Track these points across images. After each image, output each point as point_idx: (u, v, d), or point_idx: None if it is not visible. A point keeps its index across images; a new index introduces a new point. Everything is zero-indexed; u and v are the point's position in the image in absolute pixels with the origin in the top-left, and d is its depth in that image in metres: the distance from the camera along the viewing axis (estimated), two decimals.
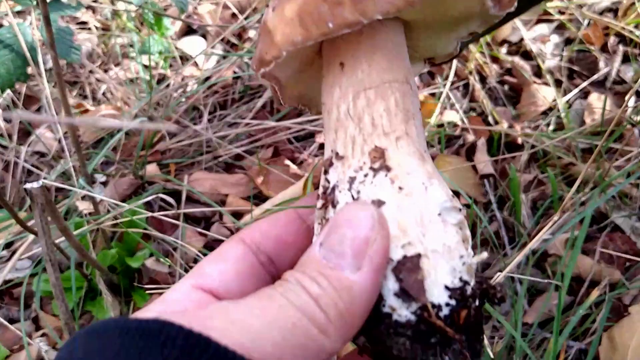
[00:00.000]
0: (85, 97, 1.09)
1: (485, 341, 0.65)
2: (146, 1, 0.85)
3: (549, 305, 0.87)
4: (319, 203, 0.40)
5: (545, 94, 1.11)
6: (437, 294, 0.35)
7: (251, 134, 1.04)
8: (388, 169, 0.37)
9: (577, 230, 0.89)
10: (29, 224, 0.68)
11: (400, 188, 0.37)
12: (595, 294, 0.83)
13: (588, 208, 0.87)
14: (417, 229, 0.36)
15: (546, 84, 1.13)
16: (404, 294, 0.34)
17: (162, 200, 0.99)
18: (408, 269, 0.35)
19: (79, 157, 0.76)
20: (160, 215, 0.90)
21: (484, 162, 1.04)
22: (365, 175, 0.38)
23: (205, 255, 0.89)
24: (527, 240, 0.93)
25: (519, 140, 1.07)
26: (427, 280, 0.35)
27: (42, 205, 0.55)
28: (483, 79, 1.18)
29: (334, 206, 0.38)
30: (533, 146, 1.04)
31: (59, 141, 1.02)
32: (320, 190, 0.40)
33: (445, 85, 1.12)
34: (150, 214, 0.88)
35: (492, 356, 0.63)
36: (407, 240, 0.36)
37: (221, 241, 0.96)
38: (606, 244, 0.94)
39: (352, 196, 0.37)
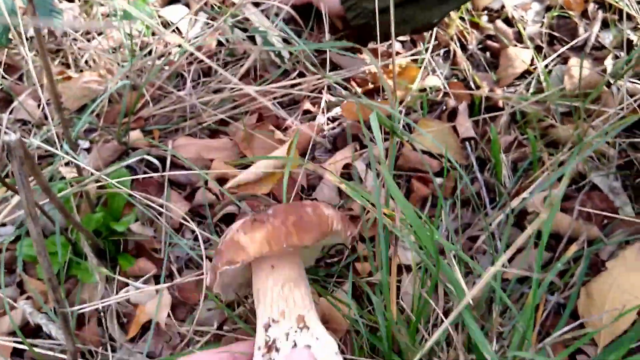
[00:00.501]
0: (67, 65, 1.09)
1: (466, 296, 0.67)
2: None
3: (528, 262, 0.89)
4: (264, 349, 0.63)
5: (523, 57, 1.12)
6: None
7: (235, 99, 1.04)
8: (307, 327, 0.64)
9: (556, 190, 0.91)
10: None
11: (317, 338, 0.63)
12: (573, 249, 0.85)
13: (566, 166, 0.89)
14: None
15: (527, 48, 1.15)
16: None
17: (147, 166, 0.99)
18: None
19: (62, 121, 0.76)
20: (146, 176, 0.91)
21: (465, 126, 1.06)
22: (295, 332, 0.63)
23: (190, 220, 0.89)
24: (507, 200, 0.95)
25: (500, 104, 1.09)
26: None
27: (20, 158, 0.55)
28: (464, 46, 1.19)
29: (277, 351, 0.62)
30: (513, 107, 1.05)
31: (42, 108, 1.02)
32: (263, 342, 0.63)
33: (427, 50, 1.13)
34: (135, 177, 0.89)
35: (471, 303, 0.64)
36: None
37: (208, 206, 0.97)
38: (584, 203, 0.96)
39: (292, 344, 0.62)
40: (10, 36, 0.92)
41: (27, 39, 1.00)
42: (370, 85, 1.14)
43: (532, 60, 1.16)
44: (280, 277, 0.67)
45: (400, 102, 1.06)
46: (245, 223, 0.67)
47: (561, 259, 0.81)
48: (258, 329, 0.65)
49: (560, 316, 0.86)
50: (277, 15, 1.09)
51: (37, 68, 1.06)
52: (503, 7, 1.25)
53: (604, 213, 0.95)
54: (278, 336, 0.63)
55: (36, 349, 0.80)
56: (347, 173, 1.01)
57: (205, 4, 1.10)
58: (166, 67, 1.05)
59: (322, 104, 1.08)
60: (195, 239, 0.93)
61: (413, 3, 1.00)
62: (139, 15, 0.93)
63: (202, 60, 1.10)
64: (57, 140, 0.89)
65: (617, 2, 1.20)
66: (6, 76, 1.01)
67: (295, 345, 0.62)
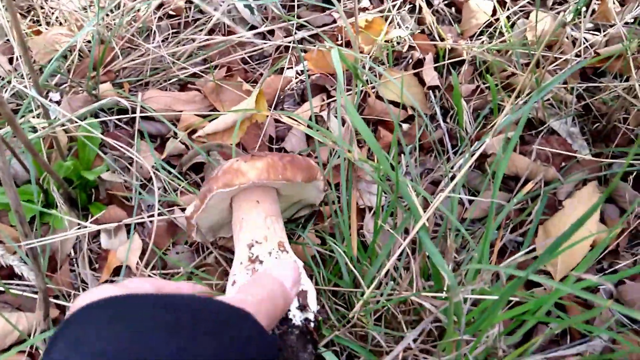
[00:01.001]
0: (38, 22, 1.09)
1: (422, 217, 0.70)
2: None
3: (487, 203, 0.93)
4: (246, 263, 0.69)
5: (484, 9, 1.15)
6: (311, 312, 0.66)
7: (204, 53, 1.06)
8: (287, 251, 0.72)
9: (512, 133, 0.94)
10: None
11: (295, 261, 0.70)
12: (529, 186, 0.89)
13: (525, 107, 0.92)
14: (304, 276, 0.69)
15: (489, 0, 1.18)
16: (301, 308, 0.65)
17: (118, 120, 1.01)
18: (303, 296, 0.66)
19: (28, 66, 0.77)
20: (116, 119, 0.93)
21: (431, 75, 1.09)
22: (277, 252, 0.71)
23: (159, 169, 0.92)
24: (467, 144, 0.98)
25: (464, 55, 1.11)
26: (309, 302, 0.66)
27: None
28: (429, 2, 1.22)
29: (260, 263, 0.69)
30: (473, 61, 1.08)
31: (10, 61, 1.03)
32: (246, 257, 0.70)
33: (394, 6, 1.15)
34: (102, 119, 0.90)
35: (428, 226, 0.67)
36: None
37: (177, 156, 0.99)
38: (543, 146, 1.00)
39: (275, 258, 0.70)
40: None
41: None
42: (339, 42, 1.16)
43: (495, 12, 1.18)
44: (263, 211, 0.74)
45: (367, 54, 1.09)
46: (244, 157, 0.74)
47: (517, 196, 0.85)
48: (240, 249, 0.71)
49: (518, 252, 0.90)
50: None
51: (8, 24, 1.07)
52: None
53: (562, 154, 0.98)
54: (261, 253, 0.70)
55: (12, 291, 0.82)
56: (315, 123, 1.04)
57: None
58: (134, 23, 1.06)
59: (291, 57, 1.10)
60: (165, 188, 0.95)
61: None
62: None
63: (171, 16, 1.11)
64: (29, 90, 0.90)
65: None
66: None
67: (278, 258, 0.70)
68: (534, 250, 0.89)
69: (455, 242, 0.86)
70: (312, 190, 0.82)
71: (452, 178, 0.95)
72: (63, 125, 0.84)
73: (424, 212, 0.70)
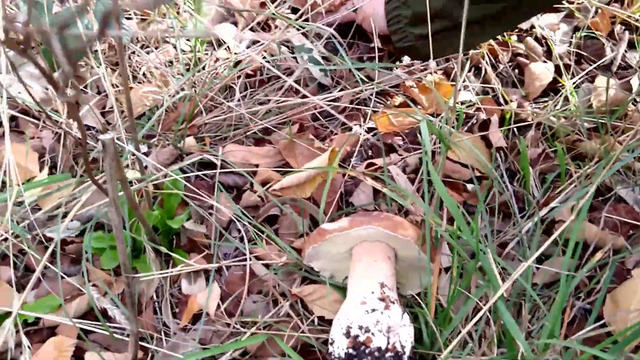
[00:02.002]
0: (127, 77, 1.18)
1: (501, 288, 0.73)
2: None
3: (556, 269, 0.94)
4: (379, 294, 0.79)
5: (548, 71, 1.19)
6: None
7: (279, 110, 1.13)
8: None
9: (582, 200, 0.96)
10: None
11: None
12: (598, 256, 0.90)
13: (594, 178, 0.94)
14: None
15: (557, 67, 1.21)
16: None
17: (199, 170, 1.08)
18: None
19: (131, 124, 0.85)
20: (199, 174, 0.99)
21: (497, 136, 1.12)
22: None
23: (238, 219, 0.97)
24: (535, 210, 1.01)
25: (529, 118, 1.15)
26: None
27: (111, 154, 0.64)
28: (493, 64, 1.26)
29: (391, 302, 0.78)
30: (539, 125, 1.11)
31: (103, 115, 1.11)
32: (379, 294, 0.78)
33: (462, 68, 1.20)
34: (188, 175, 0.97)
35: (505, 295, 0.70)
36: None
37: (253, 207, 1.05)
38: (610, 214, 1.01)
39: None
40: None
41: (93, 53, 1.10)
42: (400, 99, 1.21)
43: (560, 74, 1.22)
44: (390, 267, 0.84)
45: (437, 115, 1.13)
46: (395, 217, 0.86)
47: (587, 265, 0.87)
48: (369, 286, 0.80)
49: (586, 321, 0.91)
50: (319, 35, 1.17)
51: (96, 81, 1.17)
52: (532, 27, 1.31)
53: (630, 223, 1.00)
54: (391, 295, 0.80)
55: (99, 332, 0.88)
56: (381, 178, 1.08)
57: (252, 23, 1.19)
58: (216, 80, 1.13)
59: (359, 115, 1.16)
60: (242, 237, 1.01)
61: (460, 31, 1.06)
62: (196, 34, 1.02)
63: (249, 75, 1.18)
64: (124, 141, 0.98)
65: None
66: (75, 84, 1.10)
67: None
68: (601, 320, 0.90)
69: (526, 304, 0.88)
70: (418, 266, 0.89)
71: (521, 242, 0.98)
72: (157, 179, 0.91)
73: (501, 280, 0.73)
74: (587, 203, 0.85)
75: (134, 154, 0.91)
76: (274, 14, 1.10)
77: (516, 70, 1.27)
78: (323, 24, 1.17)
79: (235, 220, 1.00)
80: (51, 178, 0.93)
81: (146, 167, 0.98)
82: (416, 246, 0.82)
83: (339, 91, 1.15)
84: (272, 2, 1.16)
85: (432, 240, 0.86)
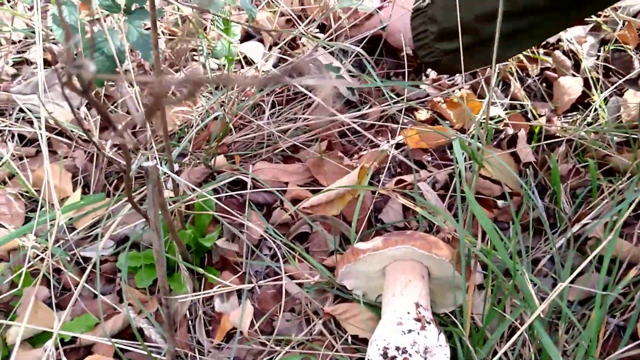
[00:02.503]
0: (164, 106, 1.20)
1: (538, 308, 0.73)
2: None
3: (589, 285, 0.94)
4: (414, 314, 0.79)
5: (577, 85, 1.18)
6: None
7: (307, 128, 1.13)
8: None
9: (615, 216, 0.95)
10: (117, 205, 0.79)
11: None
12: (632, 273, 0.90)
13: (627, 193, 0.94)
14: None
15: (585, 80, 1.21)
16: None
17: (229, 188, 1.09)
18: None
19: (166, 147, 0.86)
20: (230, 194, 1.00)
21: (526, 152, 1.12)
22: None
23: (268, 236, 0.98)
24: (567, 226, 1.00)
25: (558, 134, 1.14)
26: None
27: (154, 181, 0.65)
28: (521, 78, 1.26)
29: (428, 323, 0.79)
30: (569, 140, 1.11)
31: (134, 134, 1.13)
32: (415, 314, 0.79)
33: (488, 84, 1.20)
34: (220, 195, 0.98)
35: (542, 316, 0.70)
36: None
37: (283, 225, 1.05)
38: None
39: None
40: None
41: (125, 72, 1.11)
42: (426, 114, 1.21)
43: (589, 87, 1.21)
44: (426, 286, 0.85)
45: (465, 131, 1.13)
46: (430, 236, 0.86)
47: (622, 282, 0.86)
48: (404, 305, 0.80)
49: (621, 338, 0.90)
50: (345, 52, 1.18)
51: (126, 100, 1.18)
52: (559, 40, 1.31)
53: None
54: (427, 315, 0.80)
55: (134, 351, 0.89)
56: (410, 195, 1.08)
57: (278, 40, 1.21)
58: (245, 100, 1.15)
59: (387, 131, 1.17)
60: (273, 255, 1.01)
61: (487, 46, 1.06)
62: (225, 53, 1.04)
63: (277, 91, 1.19)
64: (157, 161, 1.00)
65: None
66: (106, 103, 1.13)
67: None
68: (636, 337, 0.89)
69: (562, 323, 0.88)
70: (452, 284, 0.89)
71: (553, 259, 0.98)
72: (190, 200, 0.92)
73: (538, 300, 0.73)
74: (620, 220, 0.85)
75: (167, 174, 0.92)
76: (302, 33, 1.11)
77: (544, 84, 1.26)
78: (350, 42, 1.18)
79: (266, 237, 1.01)
80: (86, 199, 0.95)
81: (178, 185, 1.00)
82: (451, 265, 0.82)
83: (367, 108, 1.16)
84: (301, 21, 1.18)
85: (466, 259, 0.86)
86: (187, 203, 0.93)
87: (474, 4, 0.99)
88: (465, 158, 1.11)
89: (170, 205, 0.94)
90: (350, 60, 1.17)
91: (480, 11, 0.99)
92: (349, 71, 1.18)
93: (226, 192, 1.07)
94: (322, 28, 1.28)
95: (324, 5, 1.18)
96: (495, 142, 1.16)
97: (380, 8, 1.19)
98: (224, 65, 1.13)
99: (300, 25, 1.13)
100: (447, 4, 1.02)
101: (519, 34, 1.02)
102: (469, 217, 0.95)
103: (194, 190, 0.96)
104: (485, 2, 0.97)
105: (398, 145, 1.16)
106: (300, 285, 0.96)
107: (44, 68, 1.28)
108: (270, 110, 1.17)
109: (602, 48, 1.30)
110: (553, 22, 1.02)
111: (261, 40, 1.31)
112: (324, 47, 1.17)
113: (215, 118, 1.13)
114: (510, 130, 1.16)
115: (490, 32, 0.99)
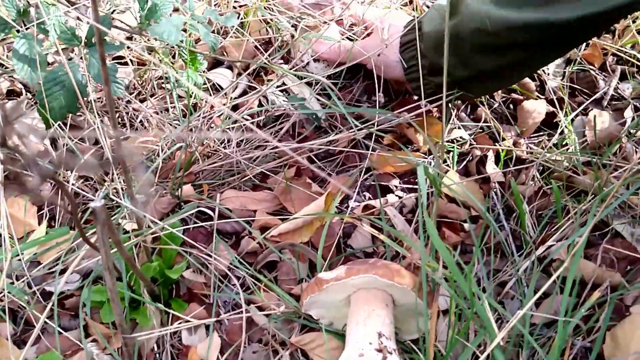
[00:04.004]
0: (124, 125, 1.20)
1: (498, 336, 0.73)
2: (182, 40, 0.95)
3: (555, 307, 0.94)
4: (376, 345, 0.80)
5: (540, 109, 1.19)
6: None
7: (275, 155, 1.14)
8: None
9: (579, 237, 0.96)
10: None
11: None
12: (596, 295, 0.90)
13: (590, 215, 0.95)
14: None
15: (551, 101, 1.22)
16: None
17: (197, 217, 1.09)
18: None
19: (126, 180, 0.86)
20: (197, 226, 1.00)
21: (493, 173, 1.13)
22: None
23: (236, 267, 0.97)
24: (532, 248, 1.01)
25: (524, 156, 1.15)
26: None
27: (103, 220, 0.65)
28: (488, 102, 1.27)
29: (390, 354, 0.79)
30: (533, 161, 1.12)
31: (100, 165, 1.12)
32: (377, 344, 0.80)
33: (456, 108, 1.21)
34: (187, 226, 0.98)
35: (502, 343, 0.70)
36: None
37: (251, 253, 1.05)
38: (607, 250, 1.01)
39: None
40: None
41: (87, 103, 1.11)
42: (392, 138, 1.22)
43: (555, 109, 1.23)
44: (389, 314, 0.86)
45: (430, 154, 1.14)
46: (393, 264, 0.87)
47: (585, 304, 0.87)
48: (366, 335, 0.81)
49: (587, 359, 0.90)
50: (315, 83, 1.19)
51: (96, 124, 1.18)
52: None
53: (628, 256, 1.00)
54: (389, 345, 0.81)
55: None
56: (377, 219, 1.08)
57: (247, 67, 1.21)
58: (212, 126, 1.15)
59: (355, 156, 1.17)
60: (242, 284, 1.01)
61: (480, 82, 1.08)
62: (190, 85, 1.04)
63: (245, 119, 1.20)
64: (121, 194, 1.00)
65: (634, 55, 1.27)
66: (71, 136, 1.12)
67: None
68: (602, 358, 0.90)
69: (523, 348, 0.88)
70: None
71: (520, 281, 0.98)
72: (154, 233, 0.92)
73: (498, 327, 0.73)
74: (582, 244, 0.86)
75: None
76: (266, 63, 1.12)
77: (511, 106, 1.27)
78: (321, 67, 1.20)
79: (233, 268, 1.01)
80: (49, 236, 0.94)
81: (145, 216, 0.99)
82: (413, 293, 0.83)
83: (336, 134, 1.16)
84: (265, 51, 1.19)
85: (429, 285, 0.86)
86: (153, 236, 0.92)
87: (465, 41, 0.99)
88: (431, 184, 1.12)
89: (132, 237, 0.93)
90: (317, 90, 1.17)
91: (471, 47, 0.99)
92: (318, 98, 1.19)
93: (194, 223, 1.07)
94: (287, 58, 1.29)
95: (288, 38, 1.20)
96: (462, 164, 1.17)
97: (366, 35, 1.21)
98: (192, 94, 1.13)
99: (264, 53, 1.14)
100: (438, 43, 1.02)
101: (507, 69, 1.03)
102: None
103: (160, 220, 0.96)
104: (476, 39, 0.98)
105: (366, 170, 1.16)
106: (267, 315, 0.96)
107: (9, 99, 1.27)
108: (238, 138, 1.18)
109: (567, 67, 1.31)
110: (541, 56, 1.03)
111: (230, 67, 1.32)
112: (299, 77, 1.18)
113: (181, 147, 1.13)
114: (478, 152, 1.17)
115: (484, 66, 1.01)
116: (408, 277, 0.83)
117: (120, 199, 1.02)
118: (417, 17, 1.10)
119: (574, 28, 0.91)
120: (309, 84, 1.20)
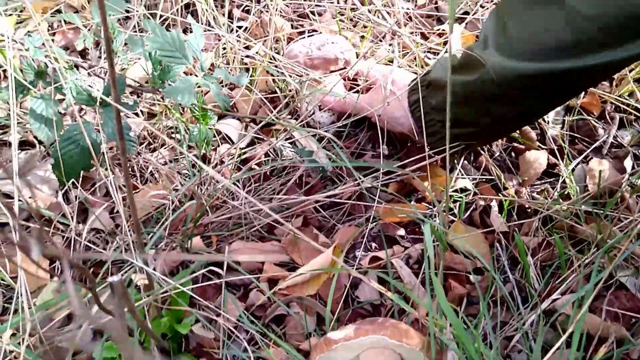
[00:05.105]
0: (134, 176, 1.22)
1: None
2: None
3: None
4: None
5: (541, 159, 1.22)
6: None
7: (282, 206, 1.16)
8: None
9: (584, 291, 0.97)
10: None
11: None
12: (602, 350, 0.91)
13: (594, 271, 0.96)
14: None
15: (551, 150, 1.25)
16: None
17: (205, 268, 1.10)
18: None
19: (138, 239, 0.88)
20: (208, 283, 1.02)
21: (498, 223, 1.14)
22: None
23: (244, 322, 0.99)
24: (537, 301, 1.02)
25: (526, 205, 1.17)
26: None
27: (120, 294, 0.66)
28: (489, 150, 1.30)
29: None
30: (536, 211, 1.14)
31: (113, 219, 1.15)
32: None
33: (459, 157, 1.23)
34: (195, 278, 0.99)
35: None
36: None
37: (260, 306, 1.06)
38: (612, 302, 1.02)
39: None
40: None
41: (97, 155, 1.13)
42: (396, 186, 1.24)
43: (555, 158, 1.25)
44: None
45: (434, 205, 1.16)
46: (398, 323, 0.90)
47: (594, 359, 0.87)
48: None
49: None
50: (321, 139, 1.22)
51: (108, 179, 1.20)
52: None
53: (631, 313, 1.01)
54: None
55: None
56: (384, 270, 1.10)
57: (254, 121, 1.24)
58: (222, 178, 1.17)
59: (361, 207, 1.19)
60: (251, 338, 1.02)
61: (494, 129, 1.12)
62: (200, 137, 1.07)
63: (251, 168, 1.22)
64: (133, 249, 1.02)
65: (631, 105, 1.30)
66: (82, 191, 1.14)
67: None
68: None
69: None
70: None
71: (526, 334, 0.99)
72: (166, 292, 0.93)
73: None
74: (587, 297, 0.87)
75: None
76: (274, 119, 1.15)
77: (512, 154, 1.30)
78: (327, 117, 1.22)
79: (241, 324, 1.02)
80: (62, 296, 0.96)
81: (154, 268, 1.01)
82: (422, 353, 0.84)
83: (341, 185, 1.18)
84: (272, 102, 1.22)
85: (437, 344, 0.87)
86: (163, 296, 0.94)
87: (484, 93, 1.03)
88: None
89: (142, 292, 0.95)
90: (323, 143, 1.20)
91: (488, 98, 1.03)
92: (326, 154, 1.22)
93: (203, 275, 1.08)
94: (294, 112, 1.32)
95: (293, 92, 1.23)
96: (466, 214, 1.19)
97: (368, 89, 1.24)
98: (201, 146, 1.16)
99: (272, 110, 1.17)
100: (459, 96, 1.05)
101: (517, 117, 1.07)
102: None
103: (170, 274, 0.98)
104: (495, 90, 1.00)
105: (373, 219, 1.18)
106: None
107: (22, 149, 1.30)
108: (247, 188, 1.20)
109: (566, 115, 1.34)
110: (548, 104, 1.07)
111: (238, 118, 1.35)
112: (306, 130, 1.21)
113: (192, 198, 1.16)
114: (481, 202, 1.19)
115: (490, 121, 1.04)
116: (416, 337, 0.84)
117: (131, 251, 1.04)
118: (420, 74, 1.14)
119: (574, 77, 0.96)
120: (315, 135, 1.23)
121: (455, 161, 1.23)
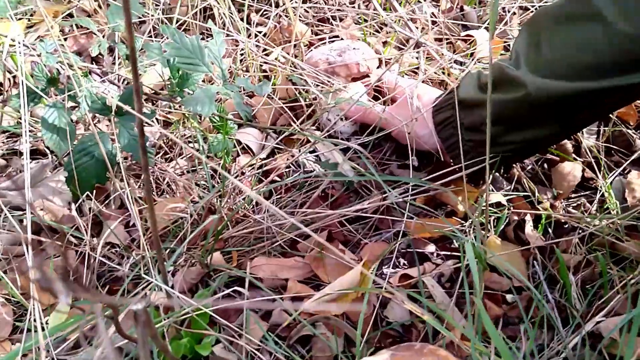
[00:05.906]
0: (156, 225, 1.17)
1: None
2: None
3: None
4: None
5: (575, 172, 1.16)
6: None
7: (305, 220, 1.10)
8: None
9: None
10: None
11: None
12: None
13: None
14: None
15: (588, 162, 1.19)
16: None
17: (226, 286, 1.05)
18: None
19: (158, 256, 0.82)
20: (229, 305, 0.96)
21: (533, 238, 1.09)
22: None
23: (267, 342, 0.93)
24: (580, 322, 0.96)
25: (563, 220, 1.11)
26: None
27: (143, 322, 0.61)
28: (522, 164, 1.24)
29: None
30: (573, 227, 1.08)
31: (129, 233, 1.09)
32: None
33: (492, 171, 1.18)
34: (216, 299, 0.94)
35: None
36: None
37: (284, 326, 1.00)
38: None
39: None
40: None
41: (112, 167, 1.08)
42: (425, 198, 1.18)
43: (588, 170, 1.20)
44: None
45: (467, 219, 1.11)
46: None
47: None
48: None
49: None
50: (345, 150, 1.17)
51: (124, 191, 1.15)
52: None
53: None
54: None
55: None
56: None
57: (276, 131, 1.19)
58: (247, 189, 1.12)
59: (388, 221, 1.13)
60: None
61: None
62: (222, 148, 1.01)
63: (273, 180, 1.17)
64: (151, 266, 0.96)
65: None
66: (96, 203, 1.09)
67: None
68: None
69: None
70: None
71: (567, 358, 0.93)
72: (187, 313, 0.88)
73: None
74: (638, 321, 0.81)
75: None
76: (298, 131, 1.09)
77: (545, 165, 1.24)
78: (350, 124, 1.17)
79: (264, 345, 0.96)
80: (77, 317, 0.91)
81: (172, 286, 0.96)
82: None
83: (368, 198, 1.13)
84: (292, 110, 1.16)
85: None
86: (183, 317, 0.89)
87: (509, 124, 1.01)
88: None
89: (164, 318, 0.89)
90: (349, 155, 1.15)
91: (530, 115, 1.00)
92: (352, 166, 1.16)
93: (223, 292, 1.03)
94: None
95: (316, 102, 1.18)
96: (500, 229, 1.13)
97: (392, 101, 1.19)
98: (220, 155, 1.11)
99: (295, 120, 1.11)
100: (474, 121, 1.04)
101: (543, 140, 1.05)
102: (477, 318, 0.90)
103: (189, 292, 0.92)
104: (536, 108, 0.98)
105: (403, 234, 1.13)
106: None
107: (35, 159, 1.25)
108: (269, 201, 1.14)
109: (601, 125, 1.28)
110: (575, 126, 1.06)
111: (260, 128, 1.30)
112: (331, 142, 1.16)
113: (210, 211, 1.10)
114: (515, 217, 1.13)
115: (536, 134, 1.02)
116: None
117: (149, 267, 0.99)
118: (444, 93, 1.10)
119: (611, 95, 0.93)
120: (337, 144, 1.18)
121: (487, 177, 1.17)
